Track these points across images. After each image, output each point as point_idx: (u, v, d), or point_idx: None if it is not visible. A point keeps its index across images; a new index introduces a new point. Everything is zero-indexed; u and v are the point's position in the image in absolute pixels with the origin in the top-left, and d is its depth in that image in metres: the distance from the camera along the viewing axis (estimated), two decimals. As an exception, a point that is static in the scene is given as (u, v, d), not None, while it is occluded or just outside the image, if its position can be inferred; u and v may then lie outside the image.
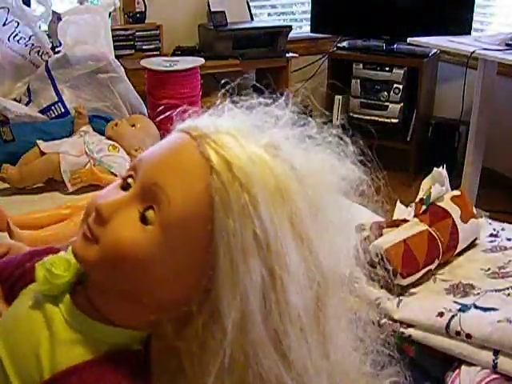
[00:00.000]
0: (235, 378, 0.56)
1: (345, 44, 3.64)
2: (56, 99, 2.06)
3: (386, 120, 3.43)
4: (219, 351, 0.55)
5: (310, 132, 0.63)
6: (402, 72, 3.36)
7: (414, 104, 3.41)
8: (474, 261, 1.29)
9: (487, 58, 2.49)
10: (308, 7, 3.71)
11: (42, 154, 1.77)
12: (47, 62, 2.09)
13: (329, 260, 0.59)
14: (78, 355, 0.61)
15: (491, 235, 1.40)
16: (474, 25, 3.21)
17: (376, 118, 3.43)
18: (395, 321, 1.10)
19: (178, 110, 0.64)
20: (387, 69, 3.38)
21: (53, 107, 2.06)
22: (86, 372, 0.60)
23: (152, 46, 3.32)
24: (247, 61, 3.29)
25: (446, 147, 3.38)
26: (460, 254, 1.32)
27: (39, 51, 2.17)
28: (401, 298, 1.15)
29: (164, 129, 0.64)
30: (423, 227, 1.25)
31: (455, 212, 1.30)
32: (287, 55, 3.42)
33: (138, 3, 3.29)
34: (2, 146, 1.86)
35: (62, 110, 2.05)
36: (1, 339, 0.65)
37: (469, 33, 3.07)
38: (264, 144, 0.59)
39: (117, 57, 2.26)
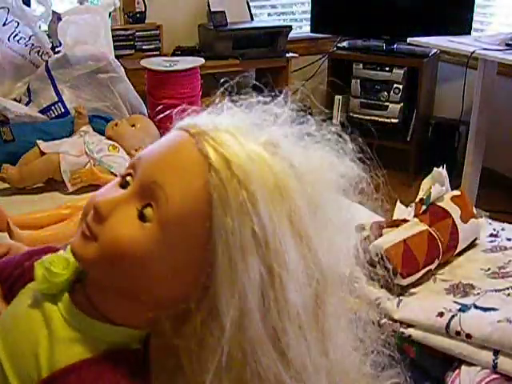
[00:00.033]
0: (233, 376, 0.56)
1: (345, 44, 3.64)
2: (56, 99, 2.06)
3: (386, 120, 3.43)
4: (217, 348, 0.55)
5: (308, 130, 0.63)
6: (402, 72, 3.36)
7: (414, 104, 3.41)
8: (473, 261, 1.29)
9: (487, 58, 2.49)
10: (308, 7, 3.71)
11: (42, 153, 1.77)
12: (47, 61, 2.09)
13: (328, 258, 0.59)
14: (77, 354, 0.61)
15: (491, 235, 1.40)
16: (474, 25, 3.21)
17: (376, 118, 3.43)
18: (395, 321, 1.10)
19: (177, 109, 0.64)
20: (387, 69, 3.38)
21: (53, 107, 2.06)
22: (84, 370, 0.59)
23: (152, 46, 3.32)
24: (247, 61, 3.29)
25: (446, 147, 3.38)
26: (460, 253, 1.31)
27: (39, 51, 2.17)
28: (401, 298, 1.15)
29: (163, 128, 0.64)
30: (423, 227, 1.25)
31: (455, 212, 1.30)
32: (287, 55, 3.42)
33: (138, 3, 3.29)
34: (2, 146, 1.86)
35: (62, 110, 2.05)
36: (0, 339, 0.65)
37: (469, 33, 3.07)
38: (263, 142, 0.59)
39: (117, 57, 2.26)
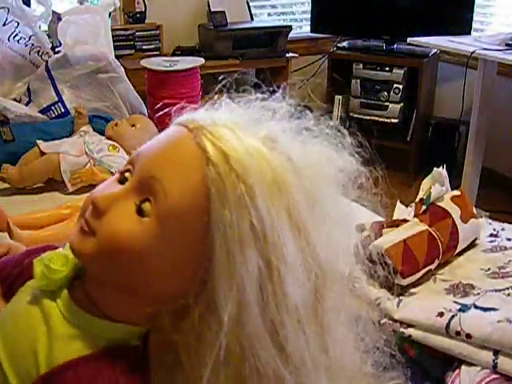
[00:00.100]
0: (231, 371, 0.56)
1: (345, 44, 3.64)
2: (56, 99, 2.06)
3: (386, 120, 3.43)
4: (215, 343, 0.55)
5: (307, 124, 0.63)
6: (402, 72, 3.36)
7: (414, 104, 3.41)
8: (474, 261, 1.29)
9: (487, 58, 2.49)
10: (308, 7, 3.72)
11: (42, 153, 1.77)
12: (47, 61, 2.09)
13: (326, 252, 0.59)
14: (76, 350, 0.60)
15: (491, 235, 1.39)
16: (474, 25, 3.21)
17: (376, 118, 3.43)
18: (395, 321, 1.10)
19: (176, 107, 0.64)
20: (387, 69, 3.38)
21: (53, 107, 2.05)
22: (82, 367, 0.59)
23: (152, 46, 3.32)
24: (247, 61, 3.29)
25: (446, 147, 3.38)
26: (460, 253, 1.31)
27: (39, 51, 2.16)
28: (401, 298, 1.15)
29: (162, 126, 0.64)
30: (423, 227, 1.25)
31: (455, 212, 1.30)
32: (287, 55, 3.42)
33: (138, 3, 3.29)
34: (2, 146, 1.86)
35: (62, 110, 2.05)
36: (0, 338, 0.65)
37: (469, 33, 3.07)
38: (261, 137, 0.59)
39: (117, 57, 2.25)
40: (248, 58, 3.29)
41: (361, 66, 3.46)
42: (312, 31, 3.63)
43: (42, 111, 2.05)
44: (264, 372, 0.56)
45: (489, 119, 2.74)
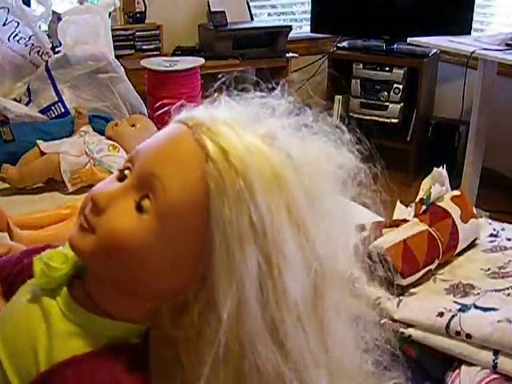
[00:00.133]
0: (231, 368, 0.56)
1: (345, 44, 3.64)
2: (56, 99, 2.05)
3: (386, 120, 3.43)
4: (215, 340, 0.55)
5: (306, 121, 0.63)
6: (402, 72, 3.36)
7: (414, 104, 3.41)
8: (474, 261, 1.29)
9: (487, 58, 2.49)
10: (308, 7, 3.72)
11: (42, 153, 1.77)
12: (47, 61, 2.09)
13: (325, 249, 0.59)
14: (76, 348, 0.60)
15: (491, 235, 1.39)
16: (474, 25, 3.21)
17: (376, 118, 3.43)
18: (395, 321, 1.10)
19: (175, 106, 0.64)
20: (387, 69, 3.38)
21: (53, 107, 2.05)
22: (83, 364, 0.59)
23: (152, 46, 3.32)
24: (247, 61, 3.29)
25: (446, 147, 3.38)
26: (460, 253, 1.31)
27: (39, 51, 2.16)
28: (401, 298, 1.15)
29: (162, 125, 0.64)
30: (423, 227, 1.25)
31: (455, 212, 1.30)
32: (287, 55, 3.42)
33: (138, 3, 3.29)
34: (2, 146, 1.86)
35: (62, 110, 2.05)
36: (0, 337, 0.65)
37: (469, 33, 3.08)
38: (261, 134, 0.59)
39: (117, 57, 2.25)
40: (248, 58, 3.29)
41: (361, 65, 3.46)
42: (312, 31, 3.63)
43: (42, 111, 2.05)
44: (264, 369, 0.55)
45: (489, 119, 2.74)
